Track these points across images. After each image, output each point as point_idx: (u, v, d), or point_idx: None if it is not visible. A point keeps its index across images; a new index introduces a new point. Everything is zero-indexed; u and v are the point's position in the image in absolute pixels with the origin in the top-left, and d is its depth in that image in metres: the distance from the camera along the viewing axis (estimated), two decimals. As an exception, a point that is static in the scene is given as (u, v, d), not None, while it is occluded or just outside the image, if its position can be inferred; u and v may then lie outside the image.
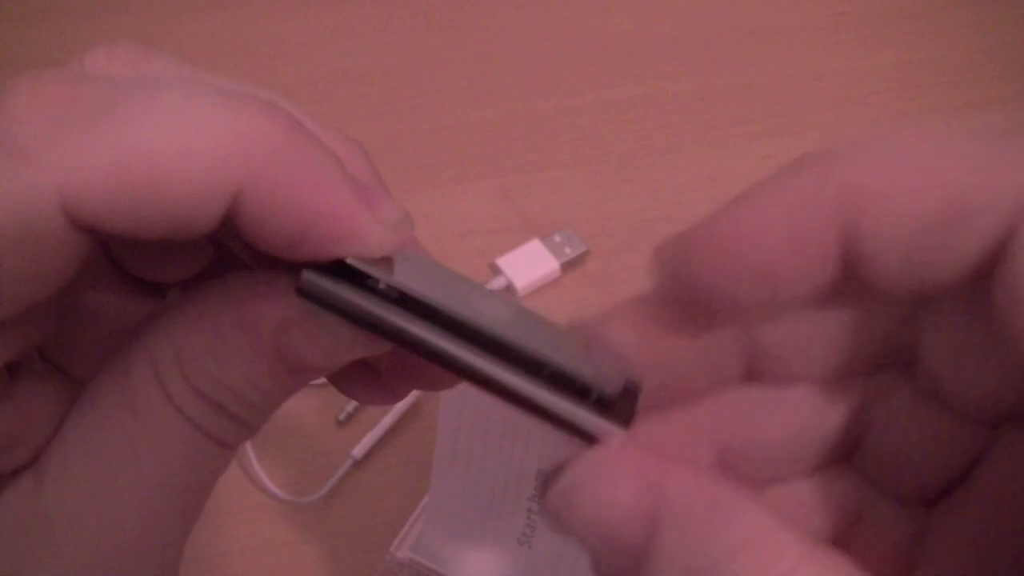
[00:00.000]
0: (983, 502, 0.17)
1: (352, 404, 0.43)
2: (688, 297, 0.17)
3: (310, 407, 0.43)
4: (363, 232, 0.17)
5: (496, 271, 0.48)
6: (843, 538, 0.19)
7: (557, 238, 0.49)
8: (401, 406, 0.43)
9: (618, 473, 0.16)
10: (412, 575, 0.37)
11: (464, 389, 0.34)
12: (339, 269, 0.17)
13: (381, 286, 0.17)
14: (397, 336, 0.17)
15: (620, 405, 0.17)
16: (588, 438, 0.17)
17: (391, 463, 0.42)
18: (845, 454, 0.19)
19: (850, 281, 0.16)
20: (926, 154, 0.15)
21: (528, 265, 0.48)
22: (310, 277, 0.17)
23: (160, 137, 0.15)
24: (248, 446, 0.41)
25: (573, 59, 0.60)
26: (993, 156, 0.15)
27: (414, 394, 0.43)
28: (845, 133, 0.56)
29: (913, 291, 0.16)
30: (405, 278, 0.17)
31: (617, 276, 0.49)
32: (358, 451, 0.42)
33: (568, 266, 0.49)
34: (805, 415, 0.18)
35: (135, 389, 0.18)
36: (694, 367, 0.18)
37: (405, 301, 0.17)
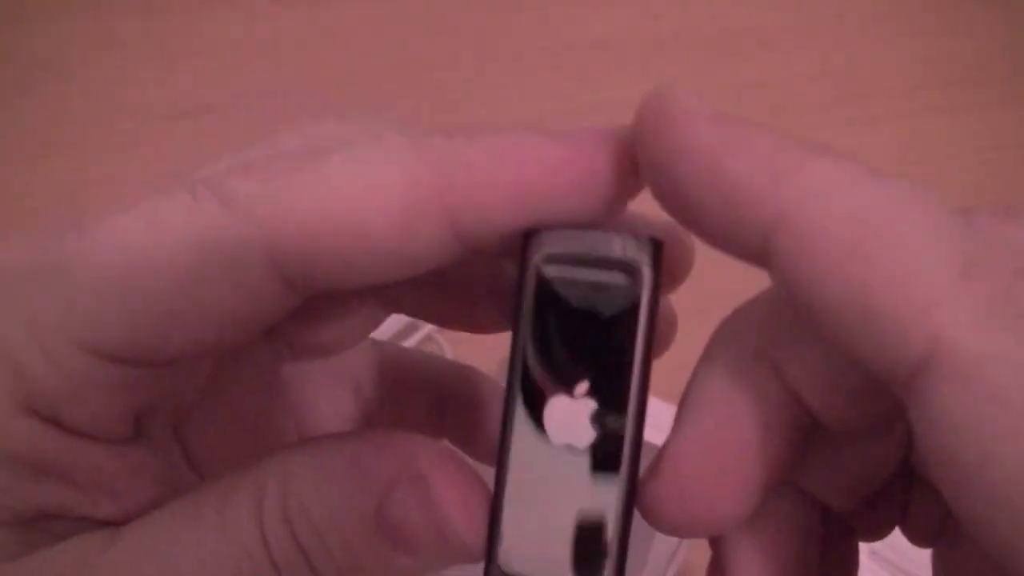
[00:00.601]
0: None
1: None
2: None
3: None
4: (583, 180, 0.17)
5: (496, 271, 0.48)
6: (898, 514, 0.19)
7: (557, 238, 0.49)
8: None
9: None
10: (412, 575, 0.37)
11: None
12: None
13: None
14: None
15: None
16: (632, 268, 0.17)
17: (391, 463, 0.42)
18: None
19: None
20: (875, 228, 0.14)
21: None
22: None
23: (354, 180, 0.16)
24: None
25: (573, 59, 0.60)
26: (937, 275, 0.14)
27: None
28: (844, 134, 0.56)
29: (824, 338, 0.15)
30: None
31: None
32: (358, 451, 0.42)
33: (568, 266, 0.49)
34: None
35: (233, 497, 0.17)
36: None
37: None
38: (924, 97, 0.58)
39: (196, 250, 0.15)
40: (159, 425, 0.19)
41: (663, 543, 0.36)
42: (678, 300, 0.19)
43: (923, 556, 0.19)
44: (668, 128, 0.16)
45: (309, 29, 0.61)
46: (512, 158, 0.16)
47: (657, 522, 0.17)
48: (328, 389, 0.24)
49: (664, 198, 0.16)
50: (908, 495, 0.19)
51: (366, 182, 0.15)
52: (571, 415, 0.17)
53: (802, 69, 0.60)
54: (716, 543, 0.18)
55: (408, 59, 0.59)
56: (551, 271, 0.17)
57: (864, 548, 0.20)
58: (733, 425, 0.17)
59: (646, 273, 0.17)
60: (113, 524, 0.17)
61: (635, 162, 0.17)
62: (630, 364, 0.17)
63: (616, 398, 0.17)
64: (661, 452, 0.17)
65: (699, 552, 0.38)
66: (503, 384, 0.18)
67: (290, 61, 0.59)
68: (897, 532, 0.20)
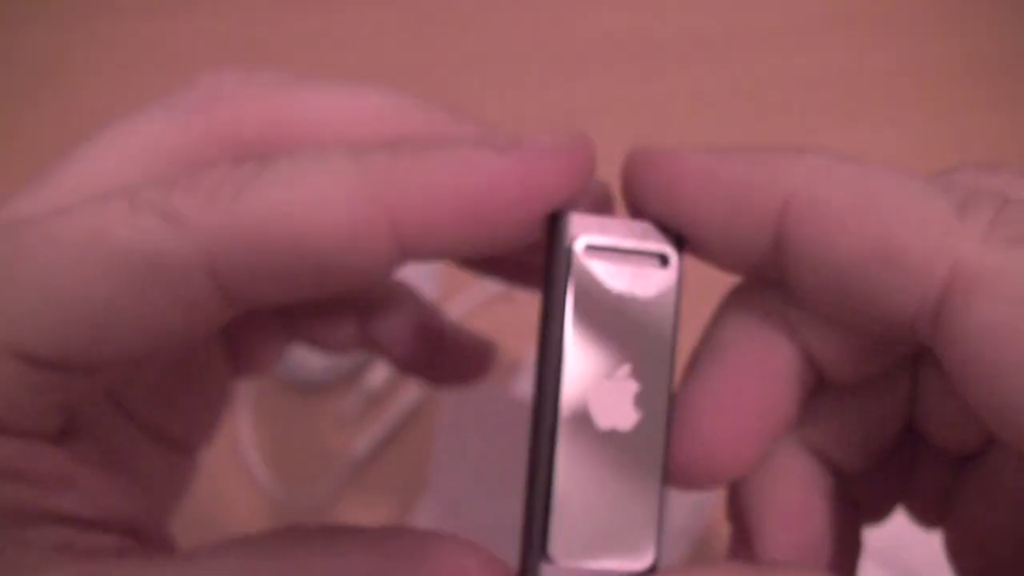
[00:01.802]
0: (1009, 462, 0.18)
1: (352, 404, 0.43)
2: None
3: (310, 407, 0.44)
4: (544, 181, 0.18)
5: (496, 271, 0.48)
6: (902, 487, 0.21)
7: (557, 238, 0.49)
8: (401, 406, 0.43)
9: None
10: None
11: (463, 391, 0.34)
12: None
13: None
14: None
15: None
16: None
17: (391, 463, 0.42)
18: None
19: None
20: (875, 189, 0.16)
21: (528, 265, 0.48)
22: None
23: (296, 195, 0.16)
24: (248, 446, 0.41)
25: (572, 59, 0.60)
26: (941, 215, 0.16)
27: (414, 395, 0.43)
28: (844, 135, 0.56)
29: (837, 312, 0.17)
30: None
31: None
32: (358, 451, 0.42)
33: (568, 266, 0.49)
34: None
35: None
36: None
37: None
38: (924, 98, 0.58)
39: (131, 261, 0.16)
40: (97, 412, 0.20)
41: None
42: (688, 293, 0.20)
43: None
44: (662, 163, 0.17)
45: (310, 31, 0.61)
46: (455, 172, 0.16)
47: (670, 472, 0.18)
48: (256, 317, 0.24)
49: (672, 223, 0.17)
50: (910, 473, 0.20)
51: (310, 199, 0.16)
52: (614, 398, 0.17)
53: (802, 69, 0.60)
54: (738, 514, 0.19)
55: (407, 59, 0.59)
56: (586, 257, 0.17)
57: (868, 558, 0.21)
58: (745, 377, 0.18)
59: (675, 259, 0.18)
60: (86, 520, 0.18)
61: (582, 171, 0.18)
62: (670, 346, 0.18)
63: (658, 379, 0.18)
64: (688, 395, 0.18)
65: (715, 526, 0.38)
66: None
67: (291, 63, 0.59)
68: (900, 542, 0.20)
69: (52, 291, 0.16)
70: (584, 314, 0.17)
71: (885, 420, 0.19)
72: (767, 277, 0.17)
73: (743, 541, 0.19)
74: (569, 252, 0.17)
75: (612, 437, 0.17)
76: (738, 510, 0.19)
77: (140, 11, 0.61)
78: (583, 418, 0.17)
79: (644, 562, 0.17)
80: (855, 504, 0.20)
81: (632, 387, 0.17)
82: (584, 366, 0.17)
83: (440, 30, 0.61)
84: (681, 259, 0.18)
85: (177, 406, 0.22)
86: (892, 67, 0.61)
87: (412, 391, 0.43)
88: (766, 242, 0.17)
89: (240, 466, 0.42)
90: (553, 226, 0.18)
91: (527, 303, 0.48)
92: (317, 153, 0.16)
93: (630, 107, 0.57)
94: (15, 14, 0.60)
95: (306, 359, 0.44)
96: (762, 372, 0.18)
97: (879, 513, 0.21)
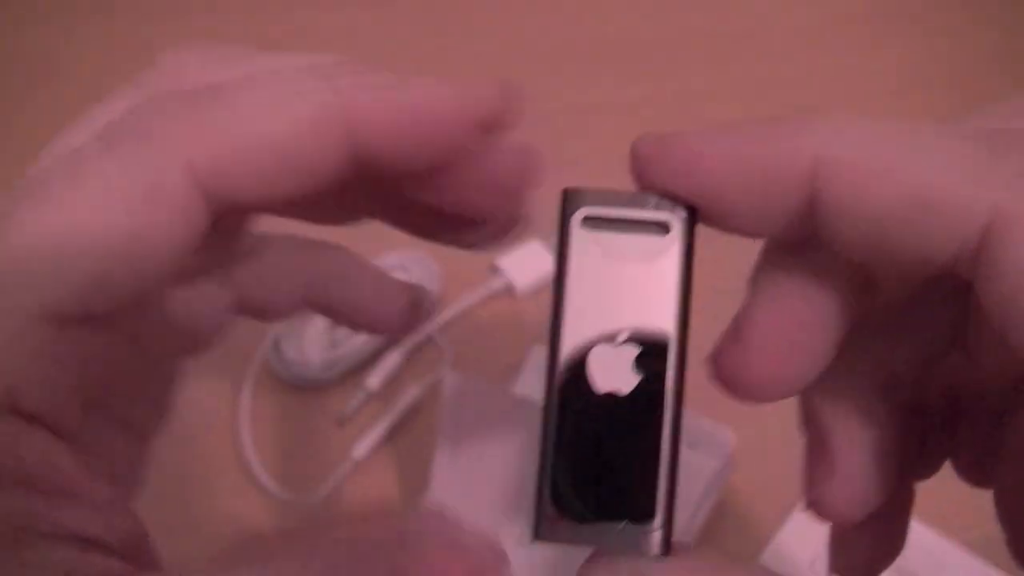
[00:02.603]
0: None
1: (352, 404, 0.43)
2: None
3: (310, 407, 0.43)
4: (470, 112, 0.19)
5: (496, 271, 0.48)
6: (949, 443, 0.22)
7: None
8: (401, 406, 0.43)
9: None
10: (412, 575, 0.37)
11: (464, 389, 0.34)
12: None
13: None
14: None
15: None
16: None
17: (391, 463, 0.42)
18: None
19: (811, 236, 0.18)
20: (899, 143, 0.17)
21: (528, 265, 0.48)
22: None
23: (267, 104, 0.18)
24: (248, 446, 0.41)
25: (573, 60, 0.60)
26: (975, 162, 0.16)
27: (415, 394, 0.43)
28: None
29: (879, 264, 0.18)
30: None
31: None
32: (358, 451, 0.42)
33: (568, 266, 0.49)
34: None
35: None
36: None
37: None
38: (923, 98, 0.58)
39: (116, 188, 0.17)
40: (101, 420, 0.20)
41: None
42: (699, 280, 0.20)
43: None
44: (679, 146, 0.18)
45: (310, 29, 0.61)
46: (408, 88, 0.19)
47: (734, 385, 0.19)
48: (201, 285, 0.24)
49: (694, 201, 0.18)
50: (955, 430, 0.22)
51: (277, 101, 0.18)
52: (614, 362, 0.18)
53: (802, 69, 0.60)
54: (816, 438, 0.21)
55: (407, 59, 0.59)
56: (590, 227, 0.18)
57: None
58: (803, 298, 0.19)
59: (678, 227, 0.18)
60: (90, 539, 0.17)
61: (500, 100, 0.20)
62: (672, 308, 0.18)
63: (657, 341, 0.18)
64: (738, 321, 0.19)
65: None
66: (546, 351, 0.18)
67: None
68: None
69: (55, 242, 0.17)
70: (583, 282, 0.18)
71: (934, 342, 0.20)
72: (790, 238, 0.18)
73: (816, 452, 0.20)
74: (570, 223, 0.19)
75: (611, 400, 0.18)
76: (812, 427, 0.21)
77: (141, 10, 0.61)
78: (582, 381, 0.18)
79: (649, 520, 0.18)
80: (907, 457, 0.21)
81: (631, 351, 0.18)
82: (584, 331, 0.18)
83: (441, 31, 0.61)
84: (692, 226, 0.18)
85: (137, 389, 0.22)
86: (893, 67, 0.61)
87: (412, 391, 0.43)
88: (796, 208, 0.17)
89: (240, 466, 0.42)
90: (563, 199, 0.19)
91: (527, 303, 0.48)
92: (279, 70, 0.19)
93: (631, 107, 0.57)
94: (16, 13, 0.60)
95: (306, 359, 0.44)
96: (819, 296, 0.19)
97: (928, 470, 0.22)
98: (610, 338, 0.18)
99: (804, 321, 0.19)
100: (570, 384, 0.18)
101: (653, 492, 0.18)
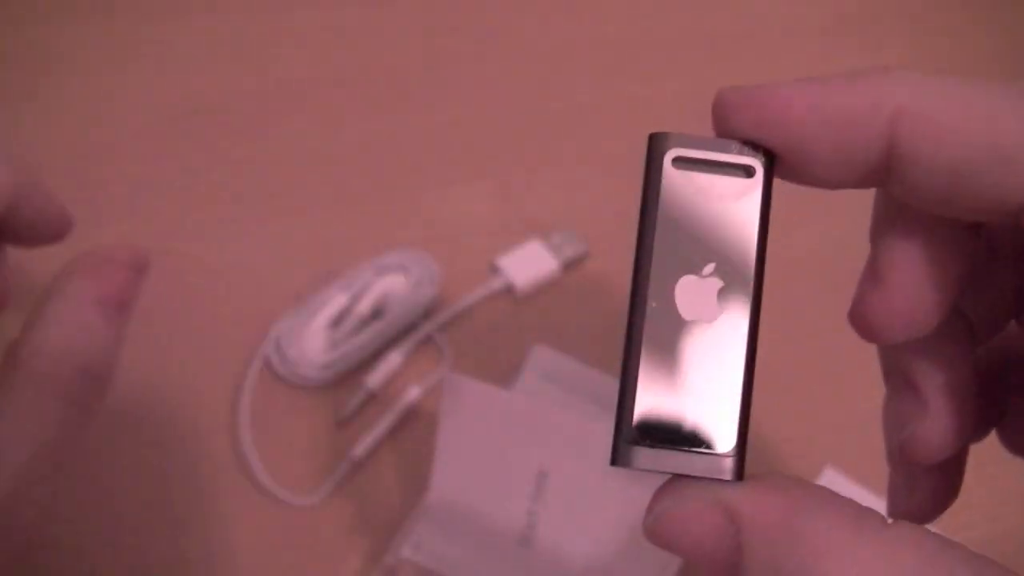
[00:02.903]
0: None
1: (352, 404, 0.43)
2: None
3: (310, 407, 0.43)
4: None
5: (496, 271, 0.48)
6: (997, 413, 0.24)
7: (557, 238, 0.49)
8: (401, 406, 0.43)
9: (701, 510, 0.18)
10: (412, 575, 0.37)
11: (463, 390, 0.34)
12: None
13: None
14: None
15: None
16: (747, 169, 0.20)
17: (391, 463, 0.42)
18: None
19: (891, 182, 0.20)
20: (976, 97, 0.18)
21: (528, 265, 0.48)
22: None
23: None
24: (248, 446, 0.41)
25: (573, 59, 0.60)
26: None
27: (414, 395, 0.43)
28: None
29: (949, 211, 0.19)
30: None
31: (617, 276, 0.49)
32: (358, 451, 0.42)
33: (568, 266, 0.49)
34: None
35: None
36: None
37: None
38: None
39: None
40: None
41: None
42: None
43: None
44: (763, 99, 0.20)
45: (310, 29, 0.61)
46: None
47: (878, 327, 0.20)
48: None
49: (781, 147, 0.19)
50: (1005, 400, 0.24)
51: None
52: (699, 293, 0.19)
53: (802, 69, 0.60)
54: (903, 383, 0.22)
55: (408, 59, 0.59)
56: (676, 167, 0.20)
57: None
58: (929, 240, 0.20)
59: (761, 171, 0.19)
60: None
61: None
62: (753, 247, 0.19)
63: (741, 276, 0.19)
64: (874, 267, 0.20)
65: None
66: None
67: (292, 61, 0.59)
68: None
69: None
70: (672, 217, 0.19)
71: (1003, 304, 0.23)
72: (865, 186, 0.20)
73: (905, 395, 0.22)
74: (660, 162, 0.20)
75: (696, 328, 0.19)
76: (898, 370, 0.22)
77: (141, 9, 0.61)
78: (669, 311, 0.19)
79: (725, 447, 0.19)
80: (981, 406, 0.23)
81: (716, 284, 0.19)
82: (671, 263, 0.19)
83: (441, 30, 0.61)
84: (770, 171, 0.20)
85: None
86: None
87: (412, 391, 0.43)
88: (876, 157, 0.18)
89: (240, 466, 0.42)
90: (650, 142, 0.20)
91: (527, 303, 0.48)
92: None
93: (630, 107, 0.57)
94: (16, 13, 0.60)
95: (306, 359, 0.44)
96: (933, 237, 0.20)
97: (980, 432, 0.24)
98: (696, 270, 0.19)
99: (933, 258, 0.20)
100: (656, 312, 0.19)
101: (731, 421, 0.19)
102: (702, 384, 0.19)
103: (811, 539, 0.17)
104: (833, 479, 0.41)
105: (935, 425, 0.22)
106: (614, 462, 0.19)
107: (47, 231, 0.30)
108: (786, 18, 0.63)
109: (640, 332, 0.19)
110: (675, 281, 0.19)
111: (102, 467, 0.41)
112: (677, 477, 0.19)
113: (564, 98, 0.57)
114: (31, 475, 0.27)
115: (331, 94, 0.57)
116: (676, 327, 0.19)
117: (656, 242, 0.19)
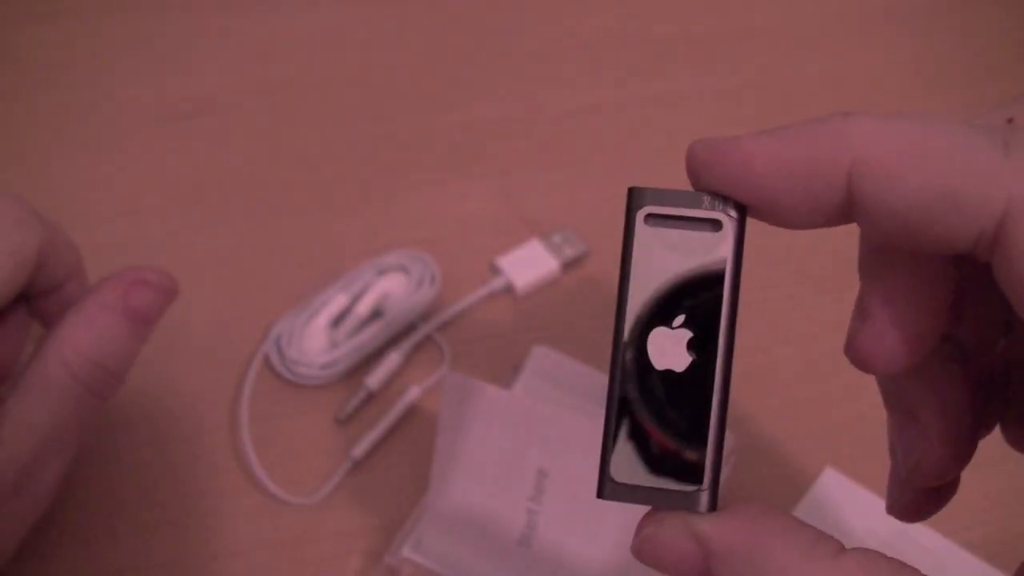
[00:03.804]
0: None
1: (352, 404, 0.43)
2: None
3: (310, 407, 0.43)
4: None
5: (496, 271, 0.48)
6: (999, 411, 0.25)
7: (557, 238, 0.49)
8: (401, 406, 0.43)
9: (676, 537, 0.20)
10: (412, 575, 0.37)
11: (463, 389, 0.34)
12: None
13: None
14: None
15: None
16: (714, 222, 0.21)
17: (391, 463, 0.42)
18: None
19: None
20: (929, 141, 0.19)
21: (528, 265, 0.48)
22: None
23: None
24: (248, 446, 0.41)
25: (573, 60, 0.60)
26: (990, 157, 0.18)
27: (414, 394, 0.43)
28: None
29: (914, 248, 0.20)
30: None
31: (617, 276, 0.49)
32: (358, 451, 0.42)
33: (568, 266, 0.49)
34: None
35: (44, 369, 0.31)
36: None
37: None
38: (924, 97, 0.58)
39: None
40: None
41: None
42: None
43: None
44: (728, 152, 0.20)
45: (311, 29, 0.61)
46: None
47: (872, 360, 0.21)
48: None
49: (747, 200, 0.20)
50: (1005, 398, 0.24)
51: None
52: (670, 344, 0.21)
53: (802, 69, 0.60)
54: (897, 403, 0.24)
55: (408, 59, 0.59)
56: (651, 223, 0.21)
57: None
58: (914, 273, 0.21)
59: (730, 225, 0.21)
60: None
61: None
62: (722, 298, 0.21)
63: (712, 327, 0.21)
64: (863, 303, 0.21)
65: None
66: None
67: (292, 61, 0.59)
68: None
69: None
70: (643, 273, 0.21)
71: (994, 318, 0.23)
72: (832, 225, 0.21)
73: (907, 424, 0.23)
74: (634, 219, 0.21)
75: (668, 376, 0.21)
76: (897, 400, 0.24)
77: (141, 9, 0.61)
78: (642, 360, 0.21)
79: (699, 483, 0.20)
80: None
81: (686, 334, 0.21)
82: (644, 316, 0.21)
83: (442, 31, 0.61)
84: (741, 223, 0.21)
85: None
86: (893, 67, 0.61)
87: (412, 391, 0.43)
88: (838, 203, 0.20)
89: (240, 466, 0.42)
90: (628, 197, 0.21)
91: (527, 303, 0.48)
92: None
93: (630, 107, 0.57)
94: (15, 12, 0.60)
95: (306, 359, 0.44)
96: (928, 286, 0.21)
97: (986, 429, 0.25)
98: (668, 322, 0.21)
99: (917, 290, 0.21)
100: (632, 362, 0.21)
101: (702, 459, 0.20)
102: (676, 426, 0.21)
103: (769, 563, 0.19)
104: (833, 479, 0.41)
105: (938, 452, 0.23)
106: (600, 495, 0.21)
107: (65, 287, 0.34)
108: (785, 17, 0.63)
109: (617, 381, 0.21)
110: (648, 332, 0.21)
111: (102, 467, 0.41)
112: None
113: (564, 98, 0.57)
114: (51, 444, 0.31)
115: (331, 94, 0.57)
116: (649, 375, 0.21)
117: (629, 296, 0.21)
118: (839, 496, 0.41)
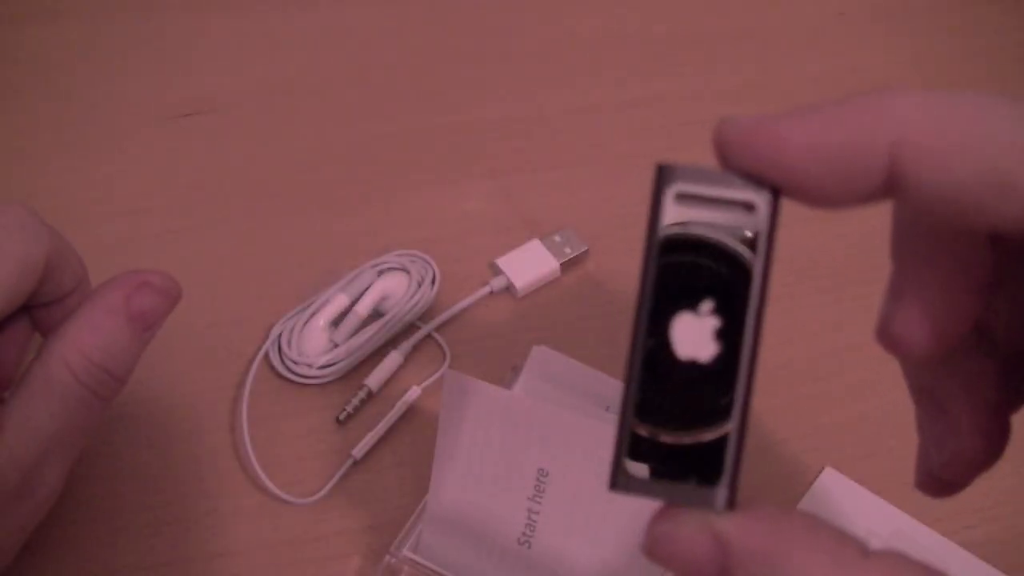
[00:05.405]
0: None
1: (352, 404, 0.43)
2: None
3: (310, 407, 0.43)
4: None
5: (496, 271, 0.48)
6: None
7: (557, 238, 0.49)
8: (401, 406, 0.43)
9: (693, 535, 0.19)
10: (412, 575, 0.37)
11: (463, 389, 0.34)
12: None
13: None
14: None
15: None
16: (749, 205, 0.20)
17: (391, 463, 0.42)
18: None
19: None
20: (976, 117, 0.18)
21: (528, 265, 0.48)
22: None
23: None
24: (248, 446, 0.41)
25: (573, 60, 0.60)
26: None
27: (414, 394, 0.43)
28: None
29: (958, 227, 0.19)
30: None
31: (617, 276, 0.49)
32: (358, 451, 0.42)
33: (568, 266, 0.49)
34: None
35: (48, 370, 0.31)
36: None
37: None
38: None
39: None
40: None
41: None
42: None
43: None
44: (760, 135, 0.19)
45: (311, 28, 0.61)
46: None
47: (898, 342, 0.21)
48: None
49: (780, 184, 0.19)
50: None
51: None
52: (696, 331, 0.19)
53: (802, 69, 0.60)
54: (925, 392, 0.23)
55: (408, 58, 0.59)
56: (678, 203, 0.19)
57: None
58: (948, 254, 0.20)
59: (763, 209, 0.19)
60: None
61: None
62: (758, 285, 0.19)
63: (741, 316, 0.19)
64: (896, 285, 0.21)
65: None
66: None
67: (292, 61, 0.59)
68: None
69: None
70: (672, 254, 0.19)
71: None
72: (872, 204, 0.19)
73: (934, 419, 0.23)
74: (663, 197, 0.19)
75: (690, 366, 0.19)
76: (927, 394, 0.23)
77: (142, 9, 0.61)
78: (664, 347, 0.19)
79: (716, 479, 0.19)
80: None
81: (713, 322, 0.19)
82: (669, 300, 0.19)
83: (441, 30, 0.61)
84: (774, 204, 0.19)
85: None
86: (893, 67, 0.61)
87: (412, 391, 0.43)
88: (877, 185, 0.18)
89: (240, 466, 0.42)
90: (657, 175, 0.20)
91: (527, 302, 0.48)
92: None
93: (631, 107, 0.57)
94: (15, 12, 0.60)
95: (307, 358, 0.44)
96: (960, 275, 0.20)
97: (1014, 408, 0.24)
98: (694, 309, 0.19)
99: (952, 271, 0.20)
100: (652, 349, 0.19)
101: (722, 456, 0.19)
102: (697, 421, 0.19)
103: (790, 566, 0.18)
104: (833, 479, 0.41)
105: (970, 445, 0.22)
106: (613, 487, 0.19)
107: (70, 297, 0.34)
108: (785, 17, 0.63)
109: (637, 369, 0.19)
110: (671, 319, 0.19)
111: (102, 467, 0.41)
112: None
113: (564, 98, 0.57)
114: (54, 447, 0.31)
115: (331, 94, 0.57)
116: (671, 365, 0.19)
117: (653, 279, 0.19)
118: (839, 496, 0.41)
